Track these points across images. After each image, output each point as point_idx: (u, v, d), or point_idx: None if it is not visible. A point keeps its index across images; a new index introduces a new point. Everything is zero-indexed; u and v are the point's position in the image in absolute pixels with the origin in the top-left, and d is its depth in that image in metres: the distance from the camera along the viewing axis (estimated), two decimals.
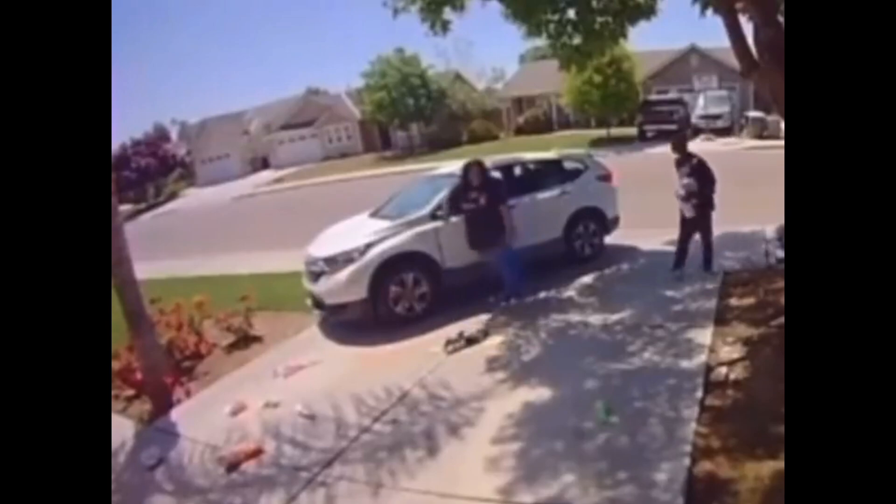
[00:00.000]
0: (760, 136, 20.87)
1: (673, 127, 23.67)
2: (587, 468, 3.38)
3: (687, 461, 3.27)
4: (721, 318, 5.29)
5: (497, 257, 6.51)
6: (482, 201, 6.38)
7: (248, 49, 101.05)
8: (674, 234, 8.42)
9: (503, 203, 6.50)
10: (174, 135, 51.80)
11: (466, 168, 6.59)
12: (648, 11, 6.86)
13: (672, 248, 7.99)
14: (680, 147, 6.85)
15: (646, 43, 21.07)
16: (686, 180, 6.53)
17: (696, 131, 23.85)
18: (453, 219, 6.67)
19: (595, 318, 5.77)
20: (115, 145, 32.25)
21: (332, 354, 5.92)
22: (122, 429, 4.88)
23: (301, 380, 5.36)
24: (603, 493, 3.16)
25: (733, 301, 5.72)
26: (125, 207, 28.50)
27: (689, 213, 6.60)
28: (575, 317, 5.90)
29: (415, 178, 9.22)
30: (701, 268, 6.59)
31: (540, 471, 3.43)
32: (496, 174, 7.01)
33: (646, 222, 9.02)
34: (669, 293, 6.13)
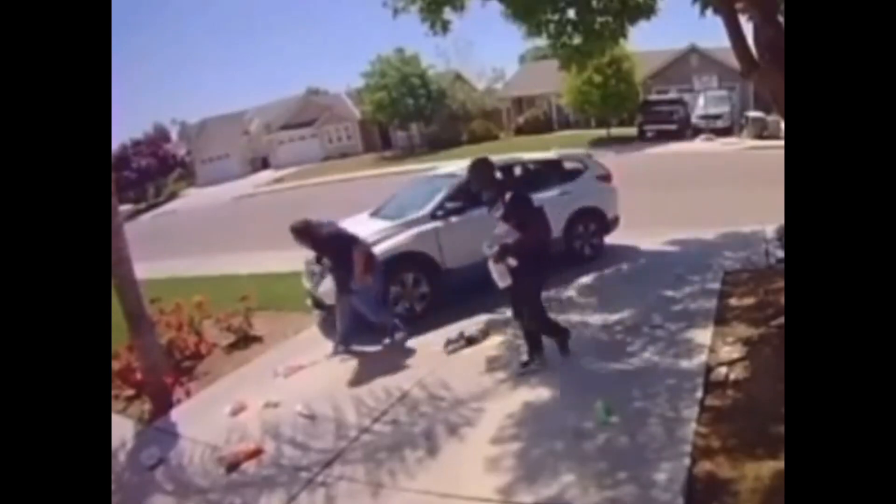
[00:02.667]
0: (760, 136, 20.90)
1: (673, 127, 23.73)
2: (587, 468, 3.38)
3: (687, 461, 3.27)
4: (721, 318, 5.28)
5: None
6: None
7: (248, 49, 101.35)
8: (674, 234, 8.47)
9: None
10: (174, 135, 51.83)
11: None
12: (648, 11, 6.87)
13: (672, 248, 8.03)
14: (480, 176, 4.71)
15: (646, 43, 21.17)
16: (498, 228, 4.54)
17: (696, 131, 23.89)
18: (453, 219, 6.68)
19: (595, 318, 5.76)
20: (116, 145, 32.30)
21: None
22: (122, 429, 4.88)
23: (301, 380, 5.36)
24: (603, 493, 3.15)
25: (733, 301, 5.71)
26: (125, 207, 28.48)
27: (501, 283, 4.53)
28: (575, 317, 5.90)
29: (415, 178, 9.22)
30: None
31: (540, 471, 3.43)
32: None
33: (646, 222, 9.03)
34: (669, 293, 6.13)
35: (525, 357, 4.79)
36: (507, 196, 4.46)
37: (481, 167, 4.70)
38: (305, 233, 5.62)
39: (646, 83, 28.47)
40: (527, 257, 4.41)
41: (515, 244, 4.38)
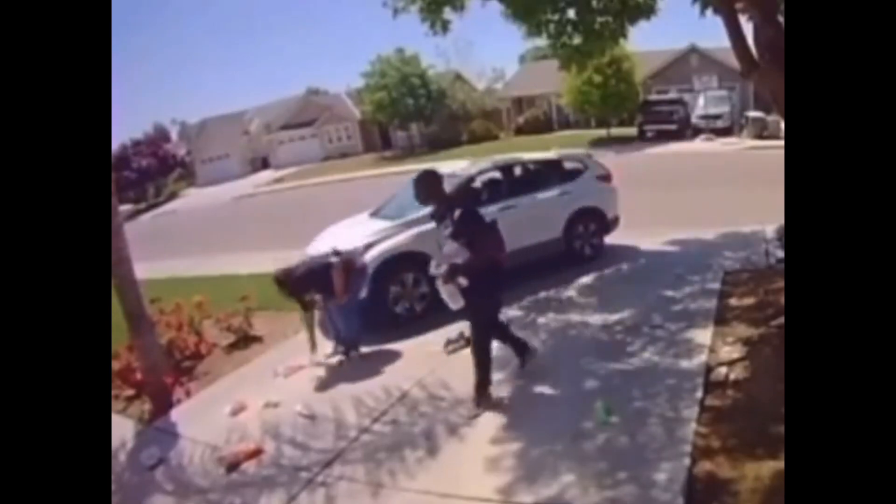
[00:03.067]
0: (760, 136, 20.90)
1: (673, 127, 23.73)
2: (587, 468, 3.38)
3: (687, 461, 3.27)
4: (721, 318, 5.28)
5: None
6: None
7: (248, 49, 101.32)
8: (674, 234, 8.47)
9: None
10: (174, 135, 51.81)
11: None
12: (648, 11, 6.87)
13: (672, 248, 8.03)
14: (426, 189, 4.30)
15: (646, 43, 21.16)
16: (447, 246, 4.24)
17: (696, 131, 23.89)
18: None
19: (595, 318, 5.76)
20: (116, 145, 32.28)
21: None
22: (122, 429, 4.88)
23: (301, 380, 5.36)
24: (603, 493, 3.16)
25: (733, 301, 5.71)
26: (125, 207, 28.48)
27: (453, 304, 4.23)
28: (575, 317, 5.90)
29: None
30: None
31: (540, 471, 3.43)
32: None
33: (646, 222, 9.03)
34: (669, 293, 6.13)
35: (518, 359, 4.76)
36: (457, 212, 4.14)
37: (427, 180, 4.31)
38: (284, 283, 5.51)
39: (646, 83, 28.47)
40: (479, 277, 4.11)
41: (465, 264, 4.09)
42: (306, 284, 5.55)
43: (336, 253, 5.65)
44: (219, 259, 12.15)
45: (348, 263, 5.56)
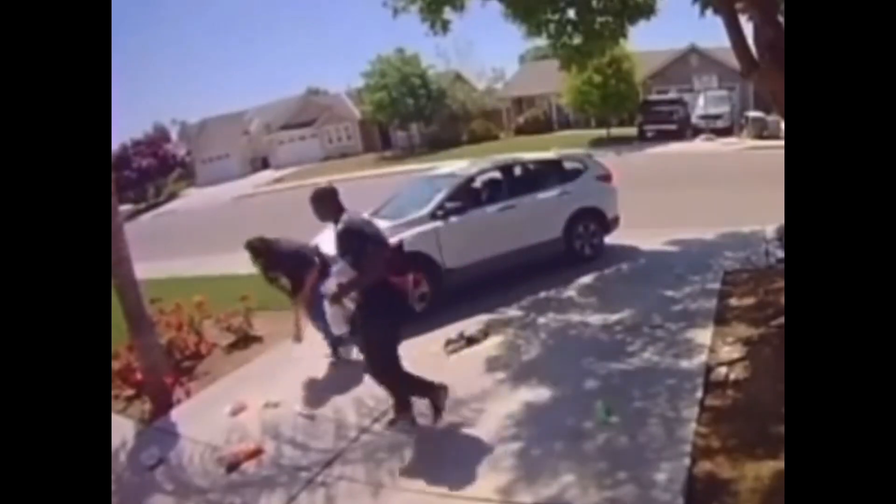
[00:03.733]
0: (760, 136, 20.90)
1: (673, 127, 23.73)
2: (587, 468, 3.38)
3: (687, 461, 3.27)
4: (721, 318, 5.28)
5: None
6: None
7: (248, 49, 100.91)
8: (674, 234, 8.47)
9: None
10: (174, 135, 51.75)
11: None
12: (648, 11, 6.88)
13: (672, 248, 8.03)
14: (322, 207, 3.97)
15: (646, 43, 21.19)
16: (338, 264, 3.95)
17: (696, 131, 23.90)
18: (453, 219, 6.68)
19: (595, 318, 5.76)
20: (116, 145, 32.27)
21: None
22: (122, 429, 4.88)
23: (301, 380, 5.36)
24: (603, 493, 3.16)
25: (733, 301, 5.71)
26: (125, 207, 28.48)
27: (336, 329, 4.11)
28: (575, 317, 5.90)
29: (414, 178, 9.23)
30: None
31: (540, 471, 3.43)
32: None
33: (646, 222, 9.03)
34: (669, 293, 6.13)
35: (397, 412, 4.15)
36: (339, 227, 3.81)
37: (322, 197, 3.94)
38: (259, 252, 5.50)
39: (646, 83, 28.47)
40: (369, 300, 3.78)
41: (350, 284, 3.77)
42: (281, 264, 5.49)
43: (319, 254, 5.56)
44: (219, 259, 12.12)
45: (324, 267, 5.27)
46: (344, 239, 3.79)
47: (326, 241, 6.85)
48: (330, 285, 3.94)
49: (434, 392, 4.05)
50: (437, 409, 4.06)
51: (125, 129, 66.01)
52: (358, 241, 3.75)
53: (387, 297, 3.80)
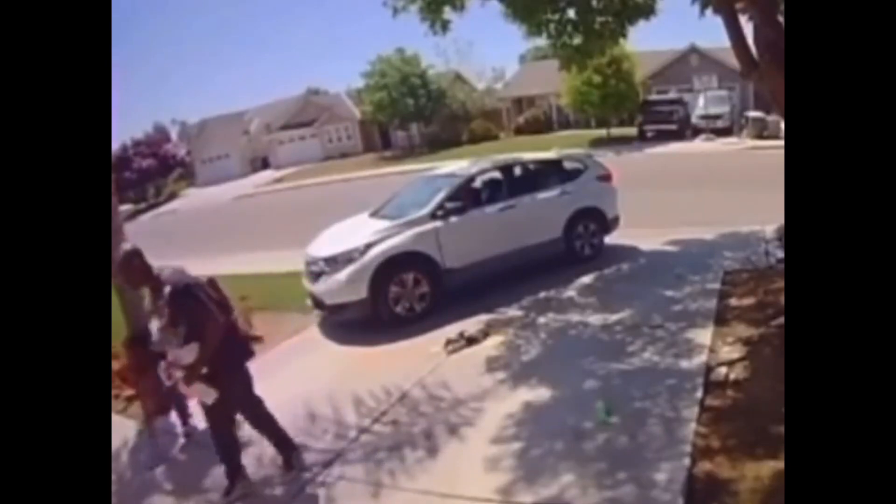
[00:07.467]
0: (760, 136, 20.87)
1: (673, 127, 23.72)
2: (587, 468, 3.38)
3: (687, 461, 3.27)
4: (721, 318, 5.28)
5: None
6: None
7: (248, 49, 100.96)
8: (674, 234, 8.47)
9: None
10: (174, 135, 51.76)
11: None
12: (648, 11, 6.87)
13: (672, 248, 8.02)
14: (131, 274, 3.42)
15: (646, 43, 21.17)
16: (172, 342, 3.42)
17: (696, 131, 23.88)
18: (453, 219, 6.68)
19: (595, 318, 5.76)
20: (116, 145, 32.27)
21: (332, 354, 5.91)
22: (122, 429, 4.88)
23: (302, 380, 5.36)
24: (603, 493, 3.16)
25: (733, 301, 5.72)
26: (125, 207, 28.47)
27: (208, 399, 3.49)
28: (575, 317, 5.90)
29: (414, 178, 9.22)
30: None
31: (540, 471, 3.43)
32: None
33: (646, 222, 9.03)
34: (669, 293, 6.13)
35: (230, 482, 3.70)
36: (166, 293, 3.30)
37: (130, 261, 3.40)
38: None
39: (646, 83, 28.43)
40: (220, 360, 3.39)
41: (199, 363, 3.36)
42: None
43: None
44: (219, 259, 12.13)
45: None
46: (174, 306, 3.30)
47: (321, 244, 6.89)
48: (171, 371, 3.47)
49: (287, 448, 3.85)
50: (288, 464, 3.83)
51: (125, 129, 66.02)
52: (191, 301, 3.34)
53: (232, 348, 3.53)
